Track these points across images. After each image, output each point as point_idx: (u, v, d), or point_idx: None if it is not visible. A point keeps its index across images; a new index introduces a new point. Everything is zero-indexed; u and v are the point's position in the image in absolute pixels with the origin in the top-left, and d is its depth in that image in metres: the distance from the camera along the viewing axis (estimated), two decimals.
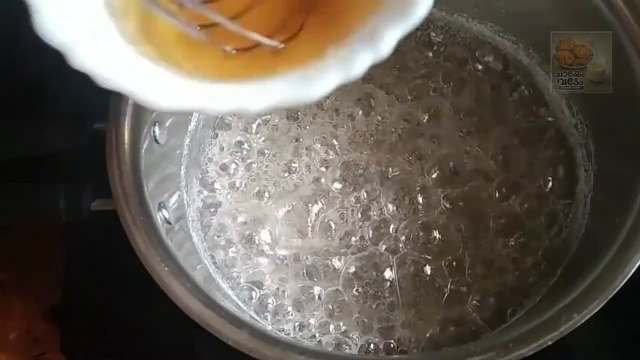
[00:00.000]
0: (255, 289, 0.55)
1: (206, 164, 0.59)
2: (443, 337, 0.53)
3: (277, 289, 0.55)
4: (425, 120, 0.60)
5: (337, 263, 0.56)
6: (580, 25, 0.53)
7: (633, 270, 0.44)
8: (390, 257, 0.56)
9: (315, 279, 0.55)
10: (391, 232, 0.56)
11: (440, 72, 0.60)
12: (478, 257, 0.55)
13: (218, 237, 0.57)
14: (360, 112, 0.60)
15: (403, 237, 0.56)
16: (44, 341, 0.58)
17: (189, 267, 0.46)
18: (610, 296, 0.43)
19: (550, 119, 0.59)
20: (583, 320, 0.42)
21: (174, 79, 0.34)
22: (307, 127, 0.60)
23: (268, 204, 0.58)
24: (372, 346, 0.53)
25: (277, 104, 0.32)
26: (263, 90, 0.33)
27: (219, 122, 0.60)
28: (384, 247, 0.56)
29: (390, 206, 0.57)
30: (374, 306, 0.54)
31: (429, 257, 0.56)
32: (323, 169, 0.59)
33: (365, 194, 0.58)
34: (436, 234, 0.56)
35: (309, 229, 0.57)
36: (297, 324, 0.54)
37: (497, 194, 0.57)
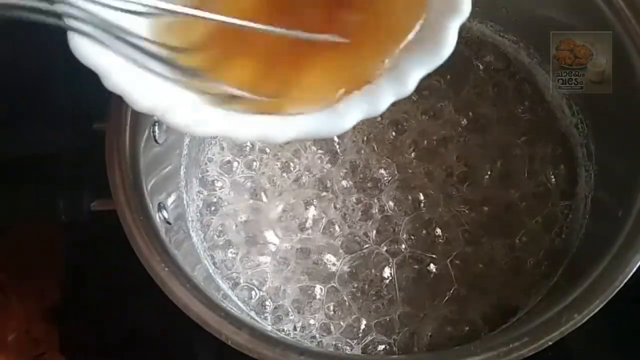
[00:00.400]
0: (255, 289, 0.55)
1: (206, 163, 0.59)
2: (443, 337, 0.53)
3: (277, 289, 0.55)
4: (425, 120, 0.60)
5: (337, 263, 0.56)
6: (580, 25, 0.53)
7: (634, 270, 0.44)
8: (391, 257, 0.56)
9: (315, 279, 0.55)
10: (392, 232, 0.56)
11: (440, 72, 0.60)
12: (478, 257, 0.55)
13: (218, 237, 0.57)
14: None
15: (404, 237, 0.56)
16: (43, 341, 0.58)
17: (189, 267, 0.46)
18: (610, 296, 0.43)
19: (550, 118, 0.59)
20: (584, 321, 0.42)
21: (206, 106, 0.34)
22: None
23: (268, 204, 0.58)
24: (372, 346, 0.53)
25: (302, 136, 0.34)
26: (289, 121, 0.34)
27: None
28: (384, 247, 0.56)
29: (391, 205, 0.57)
30: (374, 306, 0.54)
31: (429, 257, 0.56)
32: (324, 168, 0.58)
33: (366, 193, 0.58)
34: (437, 233, 0.56)
35: (310, 228, 0.57)
36: (297, 324, 0.54)
37: (497, 194, 0.57)
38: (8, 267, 0.59)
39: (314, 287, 0.55)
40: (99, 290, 0.58)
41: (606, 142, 0.55)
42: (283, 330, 0.54)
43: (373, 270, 0.55)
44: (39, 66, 0.59)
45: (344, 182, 0.58)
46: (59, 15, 0.33)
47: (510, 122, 0.59)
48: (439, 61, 0.34)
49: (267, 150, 0.59)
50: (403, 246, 0.56)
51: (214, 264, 0.56)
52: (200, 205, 0.58)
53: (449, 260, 0.55)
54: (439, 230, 0.56)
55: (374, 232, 0.56)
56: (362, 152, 0.59)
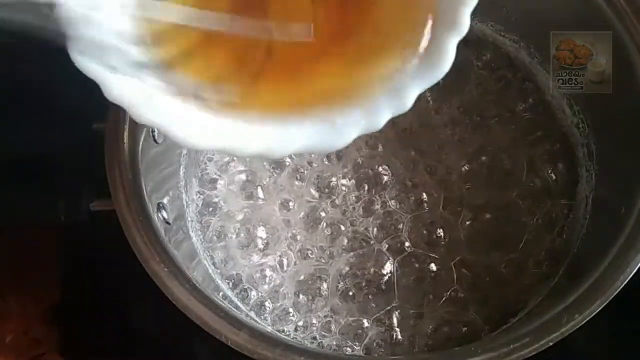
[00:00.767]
0: (255, 289, 0.55)
1: (205, 163, 0.59)
2: (443, 337, 0.53)
3: (277, 289, 0.55)
4: (425, 120, 0.59)
5: (338, 262, 0.56)
6: (580, 25, 0.53)
7: (635, 271, 0.44)
8: (391, 256, 0.56)
9: (315, 279, 0.55)
10: (392, 231, 0.56)
11: None
12: (479, 257, 0.55)
13: (217, 237, 0.57)
14: None
15: (404, 237, 0.56)
16: (43, 342, 0.58)
17: (189, 267, 0.46)
18: (611, 297, 0.43)
19: (551, 118, 0.59)
20: (584, 321, 0.42)
21: (205, 118, 0.34)
22: None
23: (268, 203, 0.57)
24: (372, 346, 0.53)
25: (300, 151, 0.34)
26: (289, 136, 0.34)
27: None
28: (385, 246, 0.56)
29: (392, 204, 0.57)
30: (374, 306, 0.54)
31: (429, 256, 0.55)
32: (325, 166, 0.58)
33: (367, 192, 0.58)
34: (437, 233, 0.56)
35: (310, 227, 0.57)
36: (297, 324, 0.54)
37: (497, 194, 0.57)
38: (7, 267, 0.59)
39: (314, 286, 0.55)
40: (98, 290, 0.58)
41: (607, 142, 0.55)
42: (283, 331, 0.54)
43: (373, 270, 0.55)
44: (39, 66, 0.59)
45: (344, 180, 0.58)
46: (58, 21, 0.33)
47: (511, 121, 0.59)
48: (437, 77, 0.34)
49: None
50: (403, 246, 0.56)
51: (214, 264, 0.56)
52: (200, 205, 0.58)
53: (449, 260, 0.55)
54: (439, 230, 0.56)
55: (375, 231, 0.56)
56: (363, 150, 0.59)
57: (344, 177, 0.58)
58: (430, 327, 0.54)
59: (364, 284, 0.55)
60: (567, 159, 0.58)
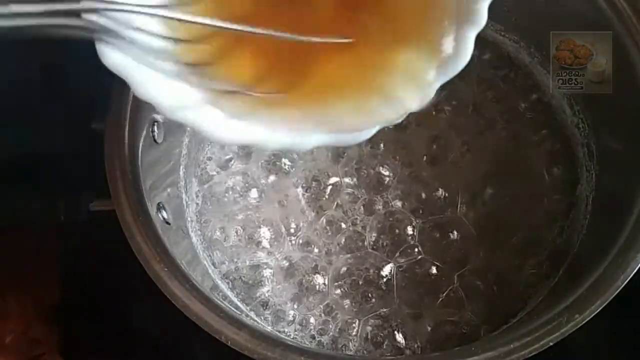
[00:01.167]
0: (255, 289, 0.55)
1: (205, 163, 0.59)
2: (443, 337, 0.53)
3: (277, 289, 0.55)
4: (425, 119, 0.59)
5: (338, 262, 0.56)
6: (580, 25, 0.53)
7: (635, 271, 0.44)
8: (391, 256, 0.56)
9: (315, 279, 0.55)
10: (392, 231, 0.56)
11: None
12: (479, 257, 0.55)
13: (217, 237, 0.57)
14: None
15: (404, 237, 0.56)
16: (43, 342, 0.58)
17: (188, 267, 0.46)
18: (612, 296, 0.43)
19: (551, 118, 0.59)
20: (585, 321, 0.42)
21: (232, 112, 0.35)
22: None
23: (268, 203, 0.57)
24: (372, 346, 0.53)
25: (323, 144, 0.35)
26: (312, 132, 0.35)
27: None
28: (385, 246, 0.56)
29: (392, 204, 0.57)
30: (374, 306, 0.54)
31: (429, 256, 0.55)
32: (326, 166, 0.58)
33: (368, 191, 0.57)
34: (437, 233, 0.56)
35: (310, 227, 0.57)
36: (297, 324, 0.54)
37: (497, 194, 0.57)
38: (7, 267, 0.59)
39: (314, 286, 0.55)
40: (98, 290, 0.58)
41: (607, 142, 0.55)
42: (284, 332, 0.54)
43: (373, 270, 0.55)
44: (38, 66, 0.59)
45: (346, 180, 0.58)
46: (86, 29, 0.33)
47: (511, 121, 0.59)
48: (456, 70, 0.35)
49: (268, 150, 0.59)
50: (403, 246, 0.56)
51: (214, 264, 0.56)
52: (200, 205, 0.58)
53: (449, 260, 0.55)
54: (439, 230, 0.56)
55: (375, 231, 0.56)
56: (364, 149, 0.59)
57: (345, 177, 0.58)
58: (430, 327, 0.53)
59: (363, 283, 0.55)
60: (567, 159, 0.58)
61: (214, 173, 0.59)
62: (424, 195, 0.57)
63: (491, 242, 0.56)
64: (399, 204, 0.57)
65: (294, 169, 0.58)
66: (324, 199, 0.57)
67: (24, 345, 0.58)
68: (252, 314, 0.54)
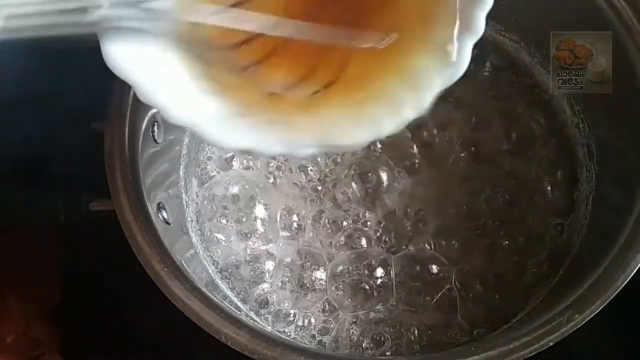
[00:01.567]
0: (255, 289, 0.55)
1: (205, 162, 0.59)
2: (443, 337, 0.53)
3: (277, 289, 0.55)
4: (425, 119, 0.59)
5: (338, 263, 0.56)
6: (580, 25, 0.53)
7: (635, 271, 0.44)
8: (392, 255, 0.56)
9: (315, 279, 0.55)
10: (393, 231, 0.56)
11: None
12: (479, 257, 0.55)
13: (217, 236, 0.57)
14: None
15: (404, 237, 0.56)
16: (43, 342, 0.58)
17: (188, 267, 0.46)
18: (612, 296, 0.43)
19: (551, 118, 0.59)
20: (585, 321, 0.42)
21: (233, 117, 0.35)
22: None
23: (268, 203, 0.57)
24: (372, 346, 0.53)
25: (320, 150, 0.36)
26: (308, 141, 0.35)
27: None
28: (385, 245, 0.56)
29: (393, 204, 0.57)
30: (375, 306, 0.54)
31: (429, 256, 0.55)
32: (326, 166, 0.58)
33: (367, 191, 0.57)
34: (437, 233, 0.56)
35: (311, 227, 0.57)
36: (296, 324, 0.54)
37: (498, 194, 0.57)
38: (7, 267, 0.59)
39: (314, 286, 0.55)
40: (98, 290, 0.58)
41: (607, 142, 0.55)
42: (284, 332, 0.54)
43: (373, 269, 0.55)
44: (39, 66, 0.59)
45: (347, 180, 0.58)
46: (92, 24, 0.33)
47: (511, 121, 0.59)
48: (454, 78, 0.35)
49: None
50: (403, 245, 0.56)
51: (214, 264, 0.56)
52: (200, 205, 0.58)
53: (449, 259, 0.55)
54: (439, 230, 0.56)
55: (375, 230, 0.56)
56: (364, 150, 0.58)
57: (345, 177, 0.58)
58: (430, 326, 0.53)
59: (364, 283, 0.55)
60: (567, 159, 0.58)
61: (214, 173, 0.59)
62: (423, 195, 0.57)
63: (491, 242, 0.56)
64: (398, 204, 0.57)
65: (295, 169, 0.58)
66: (325, 197, 0.57)
67: (24, 345, 0.58)
68: (251, 314, 0.54)
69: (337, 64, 0.37)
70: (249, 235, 0.57)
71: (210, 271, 0.55)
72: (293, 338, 0.53)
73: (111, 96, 0.48)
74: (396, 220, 0.57)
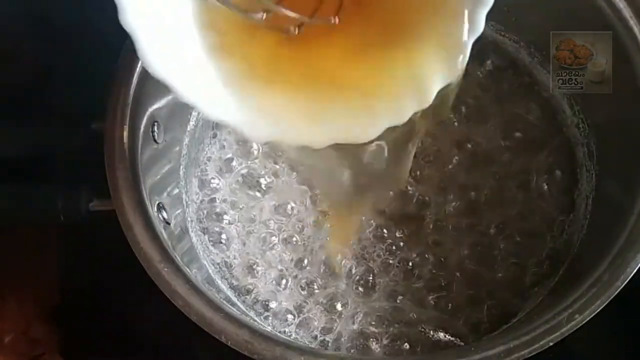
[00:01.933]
0: (255, 289, 0.55)
1: (205, 163, 0.59)
2: (443, 337, 0.53)
3: (277, 289, 0.55)
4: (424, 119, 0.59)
5: (338, 262, 0.56)
6: (580, 25, 0.53)
7: (635, 271, 0.44)
8: (392, 256, 0.56)
9: (315, 279, 0.55)
10: (393, 231, 0.56)
11: None
12: (479, 258, 0.55)
13: (217, 236, 0.57)
14: None
15: (404, 237, 0.56)
16: (43, 342, 0.58)
17: (188, 267, 0.46)
18: (612, 297, 0.43)
19: (551, 118, 0.59)
20: (585, 321, 0.42)
21: (246, 102, 0.36)
22: None
23: (269, 203, 0.57)
24: (372, 346, 0.53)
25: (333, 142, 0.36)
26: (323, 132, 0.36)
27: None
28: (385, 246, 0.56)
29: (394, 206, 0.57)
30: (375, 306, 0.54)
31: (429, 256, 0.55)
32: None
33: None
34: (437, 233, 0.56)
35: (311, 227, 0.57)
36: (297, 324, 0.54)
37: (497, 194, 0.57)
38: (7, 267, 0.59)
39: (314, 286, 0.55)
40: (98, 290, 0.58)
41: (607, 142, 0.55)
42: (284, 332, 0.54)
43: (374, 270, 0.55)
44: (38, 66, 0.59)
45: None
46: None
47: (511, 121, 0.59)
48: (455, 75, 0.36)
49: (268, 150, 0.59)
50: (404, 246, 0.56)
51: (214, 264, 0.56)
52: (200, 205, 0.58)
53: (449, 259, 0.55)
54: (439, 230, 0.56)
55: (375, 231, 0.56)
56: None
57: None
58: (430, 326, 0.53)
59: (364, 284, 0.55)
60: (567, 159, 0.58)
61: (214, 173, 0.59)
62: (423, 195, 0.57)
63: (491, 242, 0.56)
64: (399, 206, 0.57)
65: (296, 169, 0.58)
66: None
67: (24, 345, 0.58)
68: (252, 314, 0.54)
69: (340, 60, 0.38)
70: (249, 235, 0.57)
71: (210, 271, 0.55)
72: (293, 338, 0.53)
73: (111, 96, 0.48)
74: (396, 221, 0.57)
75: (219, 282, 0.55)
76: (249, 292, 0.55)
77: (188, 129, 0.58)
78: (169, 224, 0.50)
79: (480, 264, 0.55)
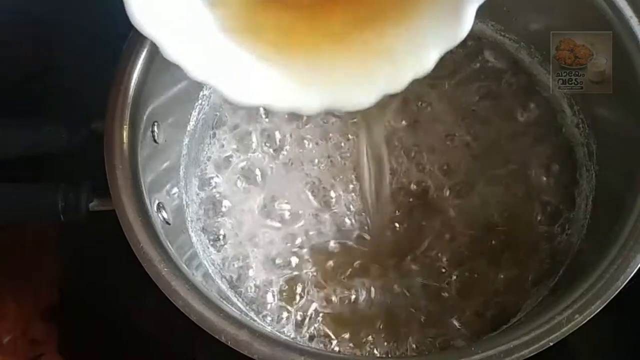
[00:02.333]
0: (255, 289, 0.55)
1: (205, 163, 0.59)
2: (443, 338, 0.53)
3: (278, 289, 0.55)
4: (425, 119, 0.59)
5: (340, 264, 0.56)
6: (580, 25, 0.53)
7: (635, 271, 0.44)
8: (392, 254, 0.56)
9: (317, 280, 0.55)
10: (394, 230, 0.56)
11: (441, 70, 0.60)
12: (479, 257, 0.55)
13: (217, 236, 0.57)
14: None
15: (404, 235, 0.56)
16: (42, 342, 0.58)
17: (189, 267, 0.46)
18: (612, 296, 0.43)
19: (551, 118, 0.59)
20: (585, 321, 0.42)
21: (251, 73, 0.36)
22: (309, 124, 0.60)
23: (269, 203, 0.57)
24: (372, 346, 0.53)
25: (327, 109, 0.36)
26: (316, 98, 0.36)
27: (218, 121, 0.60)
28: (387, 245, 0.56)
29: (395, 207, 0.57)
30: (375, 306, 0.54)
31: (430, 256, 0.55)
32: (328, 167, 0.58)
33: (371, 189, 0.57)
34: (437, 233, 0.56)
35: (312, 227, 0.57)
36: (297, 324, 0.54)
37: (497, 194, 0.57)
38: (6, 267, 0.59)
39: (315, 287, 0.55)
40: (98, 290, 0.58)
41: (607, 142, 0.55)
42: (284, 332, 0.54)
43: (374, 271, 0.55)
44: (38, 65, 0.59)
45: (352, 176, 0.58)
46: None
47: (511, 121, 0.59)
48: (455, 42, 0.36)
49: (268, 148, 0.59)
50: (404, 246, 0.56)
51: (214, 264, 0.56)
52: (200, 205, 0.58)
53: (449, 259, 0.55)
54: (439, 229, 0.56)
55: (378, 228, 0.56)
56: (366, 149, 0.58)
57: (346, 179, 0.58)
58: (430, 326, 0.53)
59: (365, 285, 0.55)
60: (567, 159, 0.58)
61: (214, 173, 0.59)
62: (423, 194, 0.57)
63: (491, 242, 0.56)
64: (400, 206, 0.57)
65: (296, 169, 0.58)
66: (327, 200, 0.57)
67: (23, 345, 0.58)
68: (252, 314, 0.54)
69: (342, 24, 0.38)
70: (250, 235, 0.57)
71: (210, 271, 0.55)
72: (293, 338, 0.53)
73: (111, 96, 0.48)
74: (397, 221, 0.57)
75: (219, 281, 0.55)
76: (249, 291, 0.55)
77: (188, 129, 0.58)
78: (169, 223, 0.50)
79: (480, 264, 0.55)
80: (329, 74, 0.37)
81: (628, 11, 0.50)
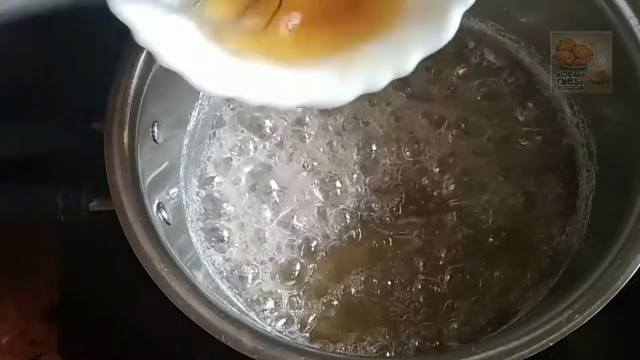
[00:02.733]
0: (255, 289, 0.55)
1: (205, 163, 0.59)
2: (443, 338, 0.53)
3: (278, 290, 0.55)
4: (425, 119, 0.59)
5: (340, 264, 0.56)
6: (580, 25, 0.53)
7: (635, 271, 0.44)
8: (393, 256, 0.56)
9: (318, 281, 0.55)
10: (395, 232, 0.56)
11: (441, 70, 0.60)
12: (479, 258, 0.55)
13: (217, 237, 0.57)
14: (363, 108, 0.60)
15: (406, 239, 0.56)
16: (41, 342, 0.58)
17: (189, 267, 0.46)
18: (612, 296, 0.43)
19: (551, 118, 0.59)
20: (585, 322, 0.42)
21: (224, 65, 0.36)
22: (309, 124, 0.60)
23: (269, 203, 0.57)
24: (372, 346, 0.53)
25: (302, 105, 0.36)
26: (292, 93, 0.35)
27: (218, 120, 0.60)
28: (387, 244, 0.56)
29: (392, 203, 0.57)
30: (375, 306, 0.54)
31: (430, 256, 0.55)
32: (328, 167, 0.58)
33: (372, 188, 0.57)
34: (436, 231, 0.56)
35: (311, 228, 0.57)
36: (297, 324, 0.54)
37: (497, 194, 0.57)
38: (5, 267, 0.59)
39: (316, 287, 0.55)
40: (97, 290, 0.58)
41: (607, 142, 0.55)
42: (284, 332, 0.54)
43: (374, 271, 0.55)
44: (38, 65, 0.59)
45: (346, 179, 0.58)
46: None
47: (510, 121, 0.59)
48: (438, 45, 0.35)
49: (268, 148, 0.59)
50: (405, 246, 0.56)
51: (214, 264, 0.56)
52: (200, 205, 0.58)
53: (449, 259, 0.55)
54: (438, 228, 0.56)
55: (378, 231, 0.56)
56: (364, 151, 0.58)
57: (346, 177, 0.58)
58: (430, 326, 0.53)
59: (365, 286, 0.55)
60: (567, 159, 0.58)
61: (214, 173, 0.59)
62: (423, 194, 0.57)
63: (491, 242, 0.56)
64: (400, 207, 0.57)
65: (297, 169, 0.58)
66: (328, 200, 0.57)
67: (22, 345, 0.58)
68: (252, 314, 0.54)
69: (319, 22, 0.38)
70: (249, 235, 0.57)
71: (210, 271, 0.55)
72: (293, 338, 0.53)
73: (111, 96, 0.48)
74: (397, 221, 0.57)
75: (219, 281, 0.55)
76: (249, 292, 0.55)
77: (188, 129, 0.58)
78: (169, 223, 0.50)
79: (480, 264, 0.55)
80: (306, 70, 0.36)
81: (628, 11, 0.50)
